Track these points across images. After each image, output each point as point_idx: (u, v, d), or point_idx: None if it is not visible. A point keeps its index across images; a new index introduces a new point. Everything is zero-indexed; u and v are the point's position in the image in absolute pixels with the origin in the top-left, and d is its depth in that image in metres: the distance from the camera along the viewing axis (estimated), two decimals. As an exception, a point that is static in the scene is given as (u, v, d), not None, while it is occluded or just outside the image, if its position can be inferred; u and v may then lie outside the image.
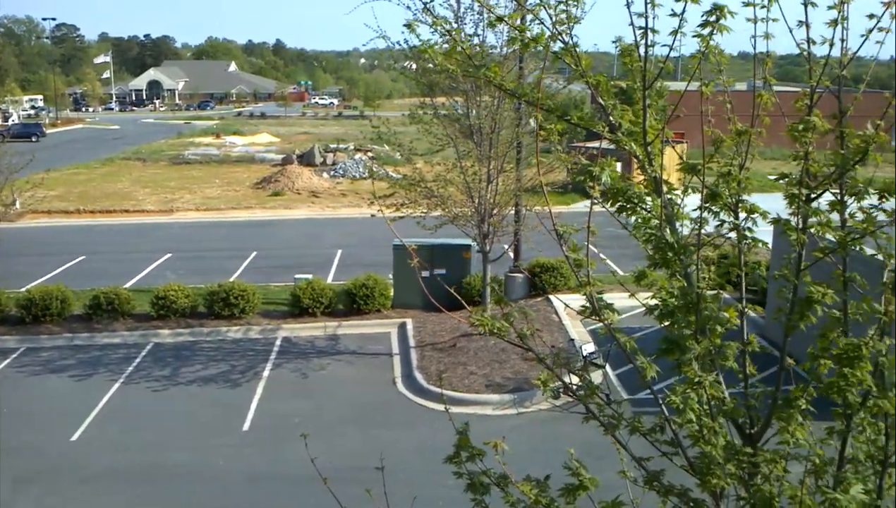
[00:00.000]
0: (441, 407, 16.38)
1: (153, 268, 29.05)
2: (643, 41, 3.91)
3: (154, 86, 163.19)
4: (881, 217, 4.33)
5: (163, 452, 15.55)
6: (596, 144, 26.73)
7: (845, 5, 4.01)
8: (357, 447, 15.33)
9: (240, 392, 18.22)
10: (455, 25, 18.23)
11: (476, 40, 19.27)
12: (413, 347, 20.27)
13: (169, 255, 31.15)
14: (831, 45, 4.01)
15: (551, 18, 4.10)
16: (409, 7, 17.73)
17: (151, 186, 49.62)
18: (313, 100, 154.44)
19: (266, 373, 19.23)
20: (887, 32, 4.36)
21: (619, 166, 4.74)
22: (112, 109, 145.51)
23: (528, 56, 18.83)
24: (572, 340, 19.80)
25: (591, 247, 4.37)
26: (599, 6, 13.20)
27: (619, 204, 4.14)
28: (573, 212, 30.06)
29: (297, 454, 14.67)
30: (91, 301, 22.53)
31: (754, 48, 4.15)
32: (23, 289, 23.93)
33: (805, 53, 4.06)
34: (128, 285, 25.59)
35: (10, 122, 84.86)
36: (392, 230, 6.17)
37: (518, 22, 4.51)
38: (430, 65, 19.25)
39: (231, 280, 23.95)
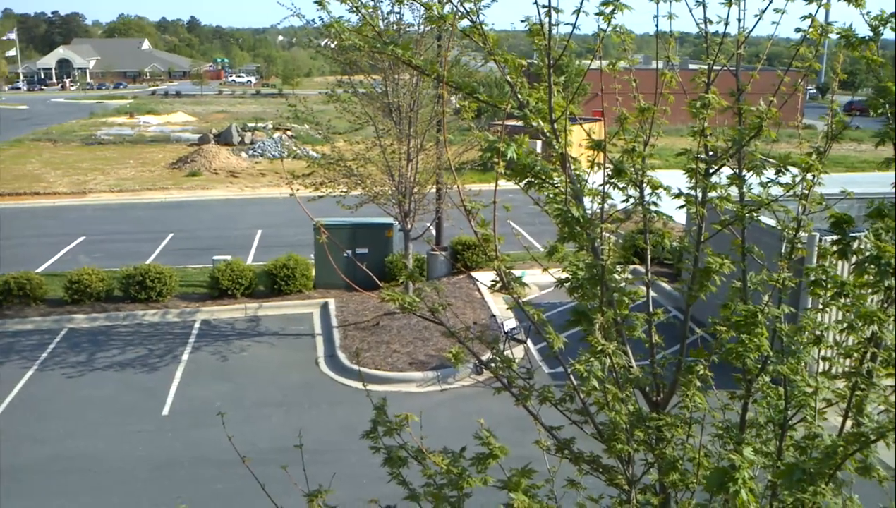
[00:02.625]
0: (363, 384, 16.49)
1: (66, 252, 28.21)
2: (547, 20, 3.99)
3: (64, 64, 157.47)
4: (778, 190, 4.54)
5: (80, 440, 15.21)
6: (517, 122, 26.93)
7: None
8: (280, 428, 15.27)
9: (158, 376, 17.92)
10: (371, 2, 18.11)
11: (393, 18, 19.20)
12: (336, 327, 20.23)
13: (82, 238, 30.28)
14: (726, 24, 4.17)
15: None
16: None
17: (63, 168, 48.02)
18: (230, 79, 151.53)
19: (185, 357, 18.93)
20: (782, 13, 4.56)
21: (539, 145, 4.81)
22: (19, 89, 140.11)
23: (446, 35, 18.88)
24: (494, 316, 20.02)
25: (513, 224, 4.45)
26: (515, -16, 13.31)
27: (526, 179, 4.22)
28: (491, 191, 30.26)
29: (218, 437, 14.54)
30: (1, 286, 21.76)
31: (656, 27, 4.28)
32: (-74, 276, 22.98)
33: (703, 32, 4.21)
34: (40, 269, 24.84)
35: None
36: (304, 209, 6.14)
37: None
38: (344, 42, 19.05)
39: (147, 263, 23.41)
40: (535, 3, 3.98)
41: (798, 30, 4.54)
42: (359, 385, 16.98)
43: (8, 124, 74.00)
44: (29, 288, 21.78)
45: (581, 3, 3.87)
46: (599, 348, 4.00)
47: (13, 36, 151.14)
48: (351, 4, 5.06)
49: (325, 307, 21.77)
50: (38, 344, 19.85)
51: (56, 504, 13.27)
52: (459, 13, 4.24)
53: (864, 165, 44.05)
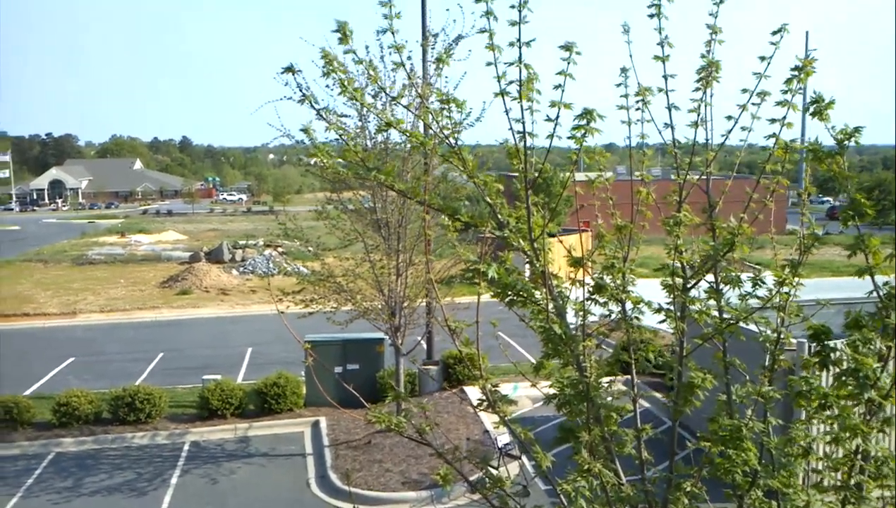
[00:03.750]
0: None
1: (55, 374, 27.95)
2: (523, 144, 4.18)
3: (56, 185, 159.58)
4: (756, 300, 4.64)
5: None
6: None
7: (704, 106, 4.37)
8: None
9: (146, 501, 17.50)
10: (359, 123, 18.62)
11: (381, 137, 19.67)
12: (327, 446, 19.93)
13: (72, 359, 30.05)
14: (693, 149, 4.36)
15: (437, 124, 4.35)
16: (312, 106, 18.06)
17: (53, 288, 48.06)
18: (221, 197, 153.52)
19: (174, 480, 18.54)
20: (749, 131, 4.77)
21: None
22: (12, 210, 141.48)
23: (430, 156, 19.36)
24: (487, 431, 19.78)
25: (502, 335, 4.51)
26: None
27: (508, 298, 4.32)
28: (486, 302, 30.36)
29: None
30: (-14, 411, 21.47)
31: (629, 147, 4.48)
32: (-90, 402, 22.66)
33: (673, 152, 4.40)
34: (28, 392, 24.55)
35: None
36: (290, 330, 6.21)
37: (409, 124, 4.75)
38: (327, 164, 19.50)
39: (136, 383, 23.19)
40: (511, 129, 4.17)
41: (768, 136, 4.75)
42: (350, 506, 16.67)
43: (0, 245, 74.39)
44: (16, 412, 21.48)
45: (554, 129, 4.06)
46: (586, 467, 4.01)
47: (7, 158, 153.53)
48: (336, 133, 5.28)
49: (316, 425, 21.49)
50: (24, 470, 19.44)
51: None
52: (440, 139, 4.44)
53: (850, 268, 44.37)
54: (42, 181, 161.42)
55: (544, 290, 4.43)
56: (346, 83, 4.88)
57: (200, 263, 53.07)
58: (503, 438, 18.53)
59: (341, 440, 20.24)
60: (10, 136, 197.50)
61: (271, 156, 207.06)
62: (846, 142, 4.45)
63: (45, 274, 55.38)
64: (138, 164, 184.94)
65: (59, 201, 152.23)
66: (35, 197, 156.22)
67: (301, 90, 4.82)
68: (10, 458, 20.26)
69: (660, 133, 4.45)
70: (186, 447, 20.64)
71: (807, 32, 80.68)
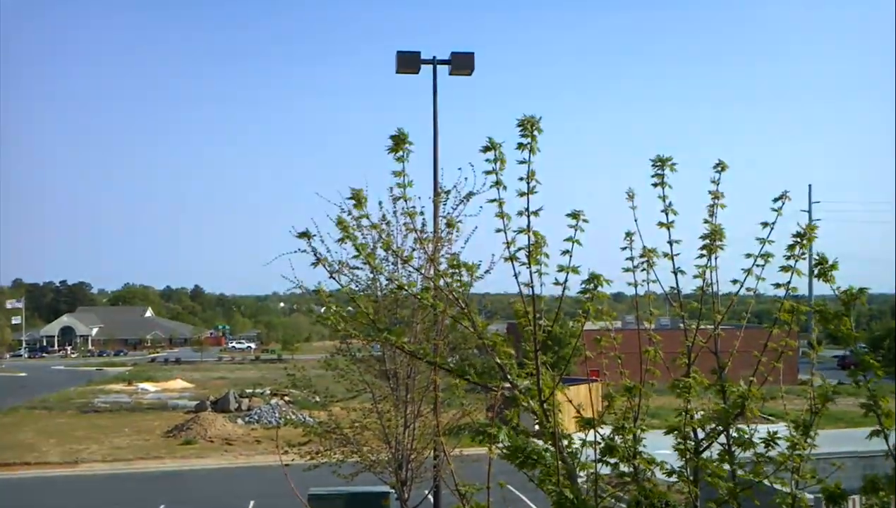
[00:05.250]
0: None
1: (51, 527, 27.24)
2: (531, 307, 4.29)
3: (67, 331, 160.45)
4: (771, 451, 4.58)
5: None
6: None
7: (709, 271, 4.49)
8: None
9: None
10: (370, 275, 18.79)
11: (392, 287, 19.82)
12: None
13: (68, 512, 29.36)
14: (700, 310, 4.45)
15: (449, 285, 4.49)
16: (326, 269, 18.32)
17: (57, 436, 47.44)
18: (231, 345, 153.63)
19: None
20: (755, 291, 4.87)
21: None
22: (21, 356, 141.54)
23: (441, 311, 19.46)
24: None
25: (512, 489, 4.46)
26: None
27: (519, 460, 4.30)
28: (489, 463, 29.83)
29: None
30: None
31: (636, 309, 4.59)
32: None
33: (680, 315, 4.50)
34: (21, 547, 23.85)
35: None
36: (291, 486, 6.17)
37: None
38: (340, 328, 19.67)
39: (135, 537, 22.57)
40: (520, 293, 4.29)
41: (776, 285, 4.83)
42: None
43: (5, 392, 73.95)
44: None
45: (563, 292, 4.18)
46: None
47: (20, 304, 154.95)
48: (349, 295, 5.45)
49: (318, 584, 20.70)
50: None
51: None
52: (448, 300, 4.55)
53: (865, 421, 43.53)
54: (53, 328, 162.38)
55: (554, 451, 4.41)
56: (360, 248, 5.06)
57: (206, 412, 52.60)
58: None
59: None
60: (24, 283, 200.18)
61: (282, 304, 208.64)
62: (852, 304, 4.52)
63: (49, 421, 54.81)
64: (149, 312, 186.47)
65: (69, 348, 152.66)
66: (45, 343, 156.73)
67: (316, 254, 5.05)
68: None
69: (666, 296, 4.60)
70: None
71: (809, 186, 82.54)
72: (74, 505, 30.22)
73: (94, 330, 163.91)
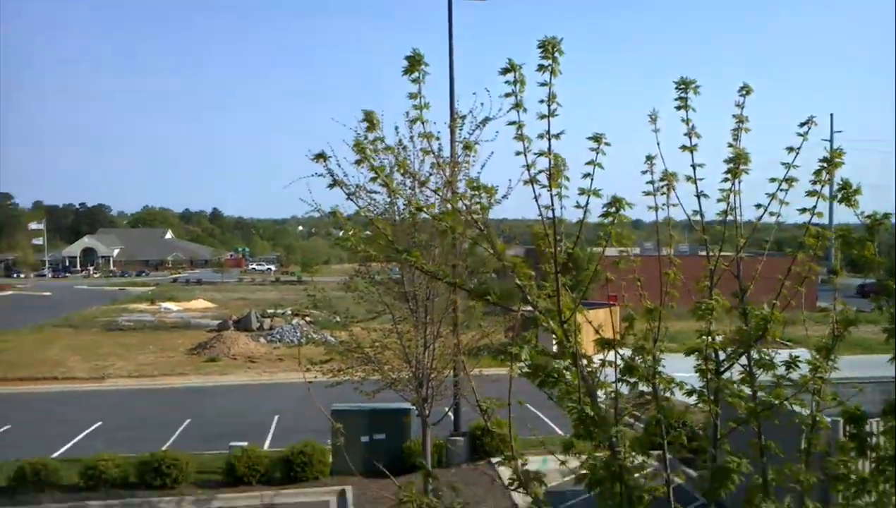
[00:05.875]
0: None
1: (82, 437, 28.12)
2: (552, 229, 4.37)
3: (88, 253, 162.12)
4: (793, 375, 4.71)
5: None
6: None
7: (733, 194, 4.56)
8: None
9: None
10: (388, 199, 18.81)
11: (408, 213, 19.87)
12: (352, 516, 19.81)
13: (99, 423, 30.24)
14: (724, 234, 4.54)
15: (468, 208, 4.56)
16: (343, 190, 18.35)
17: (83, 353, 48.53)
18: (251, 267, 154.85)
19: (198, 548, 18.51)
20: (779, 216, 4.95)
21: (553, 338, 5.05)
22: (44, 276, 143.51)
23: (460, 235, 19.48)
24: (516, 505, 19.58)
25: (530, 407, 4.61)
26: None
27: (539, 379, 4.44)
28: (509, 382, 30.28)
29: None
30: (15, 473, 21.64)
31: (657, 233, 4.68)
32: (-59, 463, 22.94)
33: (703, 240, 4.59)
34: (56, 455, 24.69)
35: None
36: (314, 400, 6.40)
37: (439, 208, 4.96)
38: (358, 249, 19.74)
39: (164, 448, 23.31)
40: (540, 215, 4.36)
41: (801, 209, 4.90)
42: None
43: (31, 310, 75.41)
44: (44, 474, 21.63)
45: (584, 216, 4.26)
46: None
47: (41, 226, 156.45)
48: (366, 215, 5.54)
49: (342, 495, 21.40)
50: (47, 535, 19.48)
51: None
52: (466, 222, 4.62)
53: (885, 348, 43.68)
54: (74, 249, 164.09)
55: (574, 371, 4.51)
56: (377, 170, 5.07)
57: (229, 331, 53.51)
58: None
59: (368, 511, 20.10)
60: (44, 205, 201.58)
61: (300, 228, 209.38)
62: (875, 229, 4.58)
63: (74, 339, 55.98)
64: (169, 234, 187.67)
65: (91, 268, 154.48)
66: (67, 264, 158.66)
67: (332, 176, 5.06)
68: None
69: (689, 221, 4.67)
70: (212, 515, 20.62)
71: (831, 115, 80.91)
72: (103, 418, 31.11)
73: (115, 251, 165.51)
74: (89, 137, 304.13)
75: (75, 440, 27.78)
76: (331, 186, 5.70)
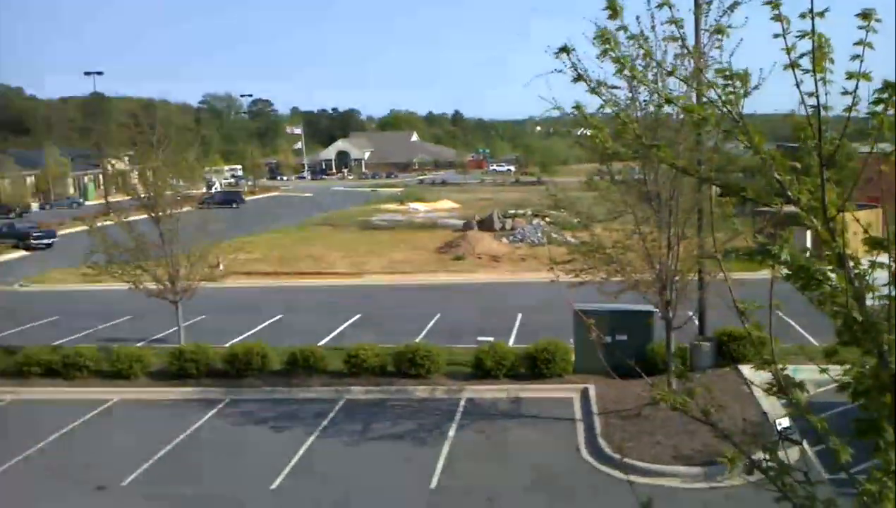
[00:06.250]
0: (627, 477, 16.33)
1: (344, 328, 30.64)
2: (816, 118, 4.07)
3: (342, 156, 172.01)
4: None
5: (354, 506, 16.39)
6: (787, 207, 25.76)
7: None
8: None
9: (427, 451, 18.86)
10: (629, 94, 18.28)
11: (651, 109, 19.23)
12: (596, 414, 20.28)
13: (358, 316, 32.76)
14: None
15: (720, 98, 4.35)
16: (587, 85, 18.05)
17: (342, 250, 52.29)
18: (491, 168, 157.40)
19: (451, 433, 19.81)
20: None
21: (808, 236, 4.81)
22: (304, 178, 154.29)
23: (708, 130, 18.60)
24: (765, 413, 19.10)
25: (782, 315, 4.45)
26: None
27: (801, 281, 4.24)
28: (760, 279, 29.11)
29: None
30: (289, 358, 24.12)
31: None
32: (227, 345, 25.94)
33: None
34: (321, 343, 27.11)
35: (213, 191, 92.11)
36: (567, 300, 6.55)
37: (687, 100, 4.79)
38: (607, 145, 19.35)
39: (417, 341, 24.92)
40: (802, 102, 4.09)
41: None
42: (620, 474, 16.93)
43: (295, 210, 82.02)
44: (313, 360, 23.92)
45: (852, 103, 3.96)
46: (893, 468, 3.88)
47: (299, 131, 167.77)
48: (610, 109, 5.46)
49: (584, 392, 21.92)
50: (320, 412, 21.63)
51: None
52: (720, 114, 4.42)
53: None
54: (329, 152, 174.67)
55: (840, 273, 4.27)
56: (622, 60, 4.89)
57: (473, 231, 55.25)
58: (783, 422, 17.79)
59: (610, 409, 20.49)
60: (300, 111, 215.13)
61: (538, 128, 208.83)
62: None
63: (334, 237, 60.34)
64: (414, 137, 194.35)
65: (345, 171, 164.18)
66: (323, 166, 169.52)
67: (576, 70, 4.98)
68: (307, 401, 22.63)
69: None
70: (462, 403, 21.91)
71: None
72: (362, 310, 33.58)
73: (366, 154, 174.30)
74: (340, 48, 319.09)
75: (337, 330, 30.31)
76: (574, 80, 5.65)
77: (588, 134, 21.70)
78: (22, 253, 59.44)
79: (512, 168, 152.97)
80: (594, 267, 20.51)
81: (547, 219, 58.09)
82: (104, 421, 21.91)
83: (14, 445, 19.95)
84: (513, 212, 63.71)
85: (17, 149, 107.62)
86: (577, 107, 5.53)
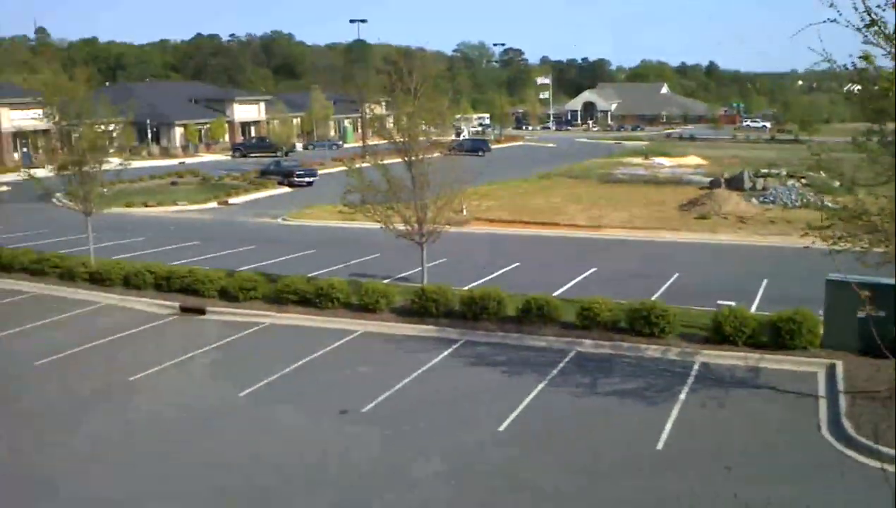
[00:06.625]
0: (875, 463, 15.15)
1: (579, 280, 30.62)
2: None
3: (588, 107, 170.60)
4: None
5: (581, 461, 16.53)
6: None
7: None
8: (784, 493, 14.75)
9: (655, 411, 18.54)
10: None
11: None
12: (842, 392, 18.93)
13: (594, 269, 32.61)
14: None
15: None
16: (859, 30, 16.57)
17: (582, 203, 52.10)
18: (745, 123, 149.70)
19: (682, 396, 19.30)
20: None
21: None
22: (549, 128, 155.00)
23: None
24: None
25: None
26: None
27: None
28: None
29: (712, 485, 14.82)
30: (523, 305, 24.48)
31: None
32: (466, 288, 26.77)
33: None
34: (556, 293, 27.27)
35: (461, 138, 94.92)
36: (836, 267, 6.13)
37: None
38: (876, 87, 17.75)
39: (653, 299, 24.41)
40: None
41: None
42: (864, 458, 15.75)
43: (538, 160, 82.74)
44: (546, 310, 24.13)
45: None
46: None
47: (548, 80, 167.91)
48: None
49: (831, 369, 20.50)
50: (550, 362, 21.85)
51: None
52: None
53: None
54: (576, 103, 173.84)
55: None
56: None
57: (720, 189, 53.04)
58: None
59: (859, 388, 19.06)
60: (550, 60, 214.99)
61: (800, 82, 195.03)
62: None
63: (574, 188, 60.29)
64: (665, 89, 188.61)
65: (591, 122, 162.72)
66: (569, 117, 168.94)
67: (870, 14, 4.45)
68: (538, 349, 22.94)
69: None
70: (696, 367, 21.25)
71: None
72: (598, 264, 33.43)
73: (613, 106, 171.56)
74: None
75: (573, 282, 30.33)
76: (867, 26, 5.27)
77: (857, 88, 20.12)
78: (286, 189, 64.93)
79: (768, 124, 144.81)
80: (855, 234, 19.00)
81: (803, 181, 54.57)
82: (349, 350, 23.48)
83: (270, 365, 21.95)
84: (765, 171, 60.26)
85: (286, 93, 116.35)
86: (866, 57, 5.23)
